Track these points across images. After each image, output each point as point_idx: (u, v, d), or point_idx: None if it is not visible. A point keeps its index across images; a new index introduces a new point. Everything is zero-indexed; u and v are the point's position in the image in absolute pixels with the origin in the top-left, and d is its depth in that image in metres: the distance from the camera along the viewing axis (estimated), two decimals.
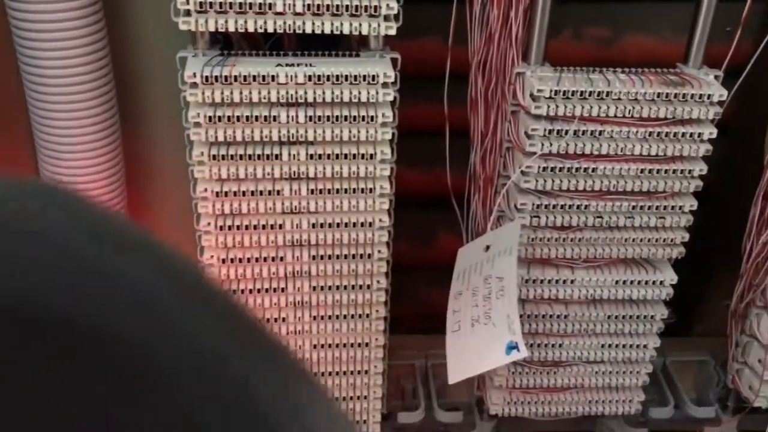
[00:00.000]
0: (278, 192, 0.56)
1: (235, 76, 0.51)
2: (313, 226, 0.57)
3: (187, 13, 0.50)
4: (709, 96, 0.54)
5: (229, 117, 0.52)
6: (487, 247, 0.58)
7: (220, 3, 0.49)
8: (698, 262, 0.83)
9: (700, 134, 0.56)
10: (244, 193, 0.55)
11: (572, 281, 0.62)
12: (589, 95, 0.54)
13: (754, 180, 0.66)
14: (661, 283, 0.62)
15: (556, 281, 0.62)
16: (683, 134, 0.56)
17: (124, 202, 0.65)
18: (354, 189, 0.56)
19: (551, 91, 0.54)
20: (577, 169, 0.57)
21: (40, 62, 0.57)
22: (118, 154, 0.63)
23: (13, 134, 0.65)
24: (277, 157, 0.54)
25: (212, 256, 0.58)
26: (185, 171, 0.55)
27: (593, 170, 0.57)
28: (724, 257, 0.73)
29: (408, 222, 0.84)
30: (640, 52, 0.71)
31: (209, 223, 0.56)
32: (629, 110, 0.55)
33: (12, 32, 0.57)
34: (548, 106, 0.54)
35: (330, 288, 0.60)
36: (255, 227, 0.57)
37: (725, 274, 0.72)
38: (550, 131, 0.55)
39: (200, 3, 0.49)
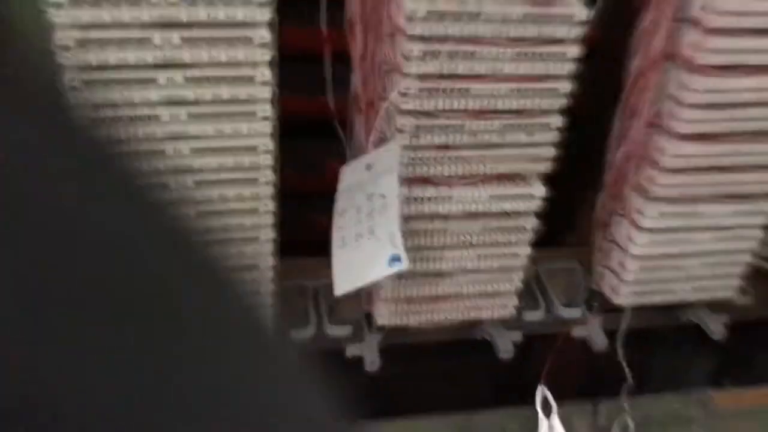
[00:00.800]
0: (157, 117, 0.55)
1: None
2: (195, 151, 0.57)
3: None
4: (572, 16, 0.58)
5: (99, 40, 0.51)
6: (369, 166, 0.60)
7: None
8: (569, 177, 0.90)
9: (564, 54, 0.59)
10: (120, 119, 0.54)
11: (451, 198, 0.65)
12: (462, 16, 0.56)
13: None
14: (532, 196, 0.66)
15: (436, 198, 0.65)
16: (549, 54, 0.59)
17: None
18: (235, 113, 0.56)
19: (426, 12, 0.55)
20: (452, 90, 0.59)
21: None
22: None
23: None
24: (153, 81, 0.53)
25: None
26: None
27: (468, 90, 0.59)
28: (593, 172, 0.78)
29: (296, 149, 0.85)
30: None
31: None
32: (499, 31, 0.57)
33: None
34: (423, 27, 0.56)
35: (217, 213, 0.60)
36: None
37: (594, 188, 0.78)
38: (426, 52, 0.57)
39: None
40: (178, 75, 0.54)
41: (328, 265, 0.69)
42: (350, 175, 0.61)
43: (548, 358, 0.75)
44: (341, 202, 0.60)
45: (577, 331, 0.80)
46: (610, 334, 0.79)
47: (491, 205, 0.66)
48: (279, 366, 0.18)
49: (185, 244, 0.17)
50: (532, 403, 0.73)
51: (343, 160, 0.69)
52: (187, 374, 0.15)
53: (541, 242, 0.76)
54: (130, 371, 0.14)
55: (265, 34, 0.53)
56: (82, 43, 0.51)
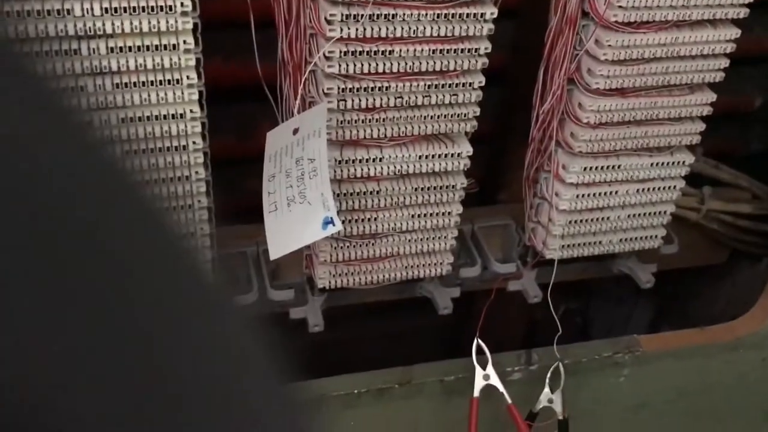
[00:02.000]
0: (81, 88, 0.55)
1: None
2: (123, 121, 0.58)
3: None
4: None
5: (18, 11, 0.51)
6: (296, 131, 0.61)
7: None
8: (499, 137, 0.92)
9: (482, 14, 0.61)
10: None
11: (381, 159, 0.67)
12: None
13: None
14: (459, 155, 0.68)
15: (367, 160, 0.66)
16: (468, 15, 0.61)
17: None
18: (161, 81, 0.57)
19: None
20: (375, 52, 0.61)
21: None
22: None
23: None
24: (75, 52, 0.54)
25: None
26: None
27: (390, 53, 0.61)
28: (521, 131, 0.81)
29: (228, 115, 0.85)
30: None
31: None
32: None
33: None
34: None
35: (148, 182, 0.61)
36: None
37: (523, 146, 0.81)
38: (347, 16, 0.58)
39: None
40: (101, 45, 0.54)
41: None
42: (276, 140, 0.62)
43: (483, 312, 0.78)
44: (269, 167, 0.62)
45: (512, 285, 0.83)
46: (545, 287, 0.83)
47: (421, 165, 0.68)
48: (214, 306, 0.18)
49: (121, 183, 0.17)
50: (471, 355, 0.76)
51: (274, 124, 0.70)
52: (120, 315, 0.15)
53: (476, 200, 0.79)
54: (65, 312, 0.14)
55: (186, 2, 0.54)
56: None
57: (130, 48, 0.55)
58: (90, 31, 0.53)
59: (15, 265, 0.14)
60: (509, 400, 0.68)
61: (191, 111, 0.59)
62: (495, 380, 0.70)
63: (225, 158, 0.71)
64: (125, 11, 0.53)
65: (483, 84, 0.65)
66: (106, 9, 0.53)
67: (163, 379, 0.16)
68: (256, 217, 0.81)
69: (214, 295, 0.19)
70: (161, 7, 0.54)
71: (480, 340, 0.72)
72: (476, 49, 0.63)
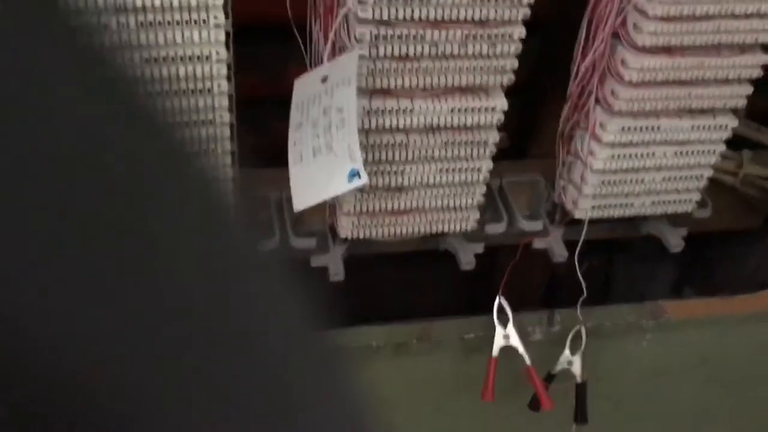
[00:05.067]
0: (104, 26, 0.53)
1: None
2: (147, 60, 0.56)
3: None
4: None
5: None
6: (325, 78, 0.59)
7: None
8: (534, 89, 0.89)
9: None
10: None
11: (411, 110, 0.64)
12: None
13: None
14: (493, 109, 0.66)
15: (397, 111, 0.64)
16: None
17: None
18: (186, 21, 0.55)
19: None
20: None
21: None
22: None
23: None
24: None
25: None
26: None
27: (429, 0, 0.58)
28: (557, 85, 0.77)
29: (254, 55, 0.82)
30: None
31: None
32: None
33: None
34: None
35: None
36: None
37: (557, 100, 0.78)
38: None
39: None
40: None
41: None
42: (304, 88, 0.60)
43: (507, 269, 0.77)
44: (296, 115, 0.59)
45: (538, 243, 0.81)
46: (571, 246, 0.81)
47: (452, 118, 0.66)
48: (241, 247, 0.18)
49: (152, 126, 0.17)
50: (492, 312, 0.75)
51: (303, 66, 0.67)
52: (150, 254, 0.15)
53: (506, 154, 0.77)
54: (99, 248, 0.14)
55: None
56: None
57: None
58: None
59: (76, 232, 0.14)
60: (528, 362, 0.67)
61: (217, 53, 0.57)
62: (515, 341, 0.69)
63: (249, 98, 0.69)
64: None
65: (523, 36, 0.62)
66: None
67: (212, 337, 0.16)
68: (280, 161, 0.79)
69: (249, 250, 0.19)
70: None
71: (502, 299, 0.71)
72: None
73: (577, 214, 0.77)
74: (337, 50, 0.63)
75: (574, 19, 0.69)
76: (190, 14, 0.54)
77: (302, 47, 0.67)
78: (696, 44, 0.65)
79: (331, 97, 0.58)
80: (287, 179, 0.79)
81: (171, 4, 0.53)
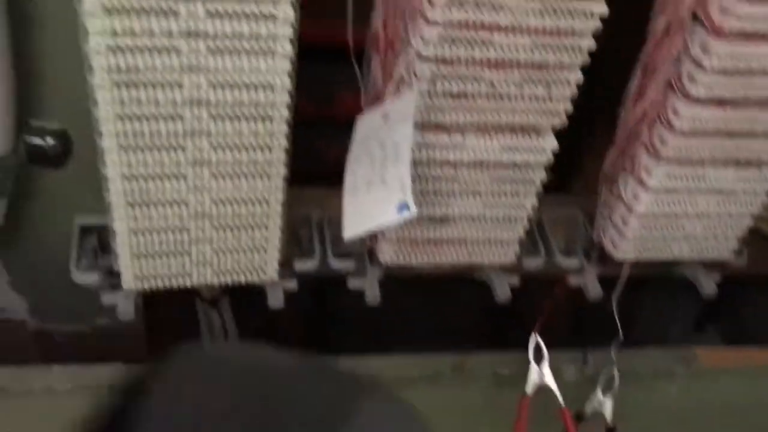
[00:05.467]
0: (176, 48, 0.54)
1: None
2: (212, 85, 0.57)
3: None
4: None
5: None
6: (385, 115, 0.60)
7: None
8: (578, 125, 0.89)
9: (591, 11, 0.58)
10: (140, 49, 0.54)
11: (462, 146, 0.65)
12: None
13: (636, 50, 0.70)
14: (543, 149, 0.67)
15: (447, 146, 0.65)
16: (577, 10, 0.58)
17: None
18: (255, 49, 0.56)
19: None
20: (474, 40, 0.58)
21: None
22: None
23: None
24: (174, 12, 0.53)
25: (107, 111, 0.57)
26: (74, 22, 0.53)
27: (490, 41, 0.59)
28: (601, 122, 0.78)
29: (307, 77, 0.84)
30: None
31: (103, 78, 0.55)
32: None
33: None
34: None
35: (230, 147, 0.61)
36: (152, 84, 0.56)
37: (603, 137, 0.78)
38: (452, 0, 0.56)
39: None
40: (199, 7, 0.53)
41: (334, 196, 0.70)
42: (366, 124, 0.61)
43: (544, 305, 0.77)
44: (356, 149, 0.61)
45: (573, 280, 0.82)
46: (604, 284, 0.81)
47: (502, 155, 0.66)
48: None
49: None
50: (524, 346, 0.76)
51: (355, 91, 0.68)
52: None
53: (545, 187, 0.77)
54: None
55: (289, 11, 0.52)
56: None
57: (228, 13, 0.54)
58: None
59: None
60: (562, 403, 0.68)
61: (281, 81, 0.58)
62: (549, 379, 0.69)
63: (299, 119, 0.70)
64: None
65: (580, 82, 0.63)
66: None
67: None
68: (323, 181, 0.80)
69: None
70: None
71: (538, 337, 0.71)
72: (579, 46, 0.60)
73: (616, 255, 0.77)
74: (394, 81, 0.64)
75: (623, 58, 0.70)
76: (258, 43, 0.56)
77: (358, 73, 0.68)
78: (749, 98, 0.66)
79: (389, 132, 0.59)
80: (329, 199, 0.80)
81: (242, 32, 0.54)
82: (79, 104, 0.63)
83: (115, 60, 0.54)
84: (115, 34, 0.53)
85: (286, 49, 0.56)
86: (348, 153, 0.62)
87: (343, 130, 0.82)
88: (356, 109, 0.69)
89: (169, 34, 0.54)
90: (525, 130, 0.66)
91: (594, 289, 0.81)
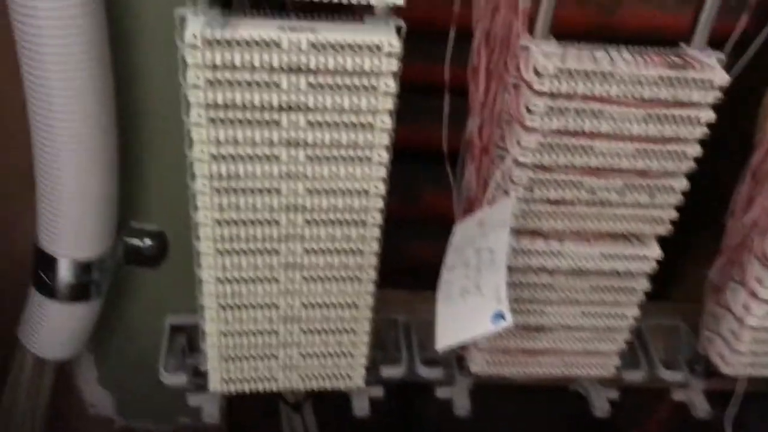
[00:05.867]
0: (276, 157, 0.55)
1: (237, 40, 0.50)
2: (309, 191, 0.57)
3: None
4: (710, 81, 0.55)
5: (229, 81, 0.51)
6: (482, 222, 0.58)
7: None
8: (681, 230, 0.85)
9: (698, 118, 0.56)
10: (241, 157, 0.55)
11: (560, 252, 0.63)
12: (593, 75, 0.54)
13: (742, 156, 0.67)
14: (646, 257, 0.63)
15: (544, 252, 0.63)
16: (681, 117, 0.56)
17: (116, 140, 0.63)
18: (352, 157, 0.56)
19: (556, 68, 0.53)
20: (575, 147, 0.57)
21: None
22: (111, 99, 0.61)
23: None
24: (276, 123, 0.54)
25: (206, 216, 0.57)
26: (179, 129, 0.54)
27: (591, 148, 0.57)
28: (706, 228, 0.74)
29: (395, 175, 0.84)
30: (641, 22, 0.70)
31: (204, 184, 0.56)
32: (631, 92, 0.55)
33: None
34: (551, 83, 0.54)
35: (322, 251, 0.60)
36: (251, 191, 0.56)
37: (705, 243, 0.74)
38: (552, 108, 0.55)
39: None
40: (301, 118, 0.54)
41: (421, 299, 0.68)
42: (462, 232, 0.60)
43: (645, 421, 0.72)
44: (451, 258, 0.59)
45: (678, 395, 0.76)
46: (713, 400, 0.75)
47: (602, 263, 0.64)
48: None
49: None
50: None
51: (442, 191, 0.68)
52: None
53: (645, 294, 0.73)
54: None
55: (390, 83, 0.53)
56: (212, 83, 0.51)
57: (328, 123, 0.54)
58: (293, 104, 0.53)
59: None
60: None
61: (376, 187, 0.58)
62: None
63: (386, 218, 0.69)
64: (329, 87, 0.52)
65: (686, 189, 0.60)
66: (311, 84, 0.52)
67: None
68: (409, 283, 0.79)
69: None
70: (364, 86, 0.53)
71: None
72: (685, 152, 0.58)
73: (726, 370, 0.72)
74: (487, 186, 0.62)
75: (726, 165, 0.67)
76: (355, 151, 0.56)
77: (450, 177, 0.67)
78: None
79: (485, 239, 0.57)
80: (416, 301, 0.78)
81: (340, 141, 0.55)
82: (177, 207, 0.64)
83: (217, 167, 0.55)
84: (218, 143, 0.54)
85: (382, 156, 0.56)
86: (443, 261, 0.60)
87: (429, 229, 0.81)
88: (443, 210, 0.68)
89: (271, 143, 0.54)
90: (627, 237, 0.64)
91: (701, 406, 0.76)
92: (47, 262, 0.64)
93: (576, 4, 0.70)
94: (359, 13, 0.54)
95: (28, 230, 0.65)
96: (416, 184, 0.86)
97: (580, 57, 0.54)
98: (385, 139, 0.56)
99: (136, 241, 0.70)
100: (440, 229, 0.65)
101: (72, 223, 0.62)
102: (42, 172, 0.60)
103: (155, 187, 0.68)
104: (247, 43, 0.50)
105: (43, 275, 0.65)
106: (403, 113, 0.81)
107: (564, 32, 0.56)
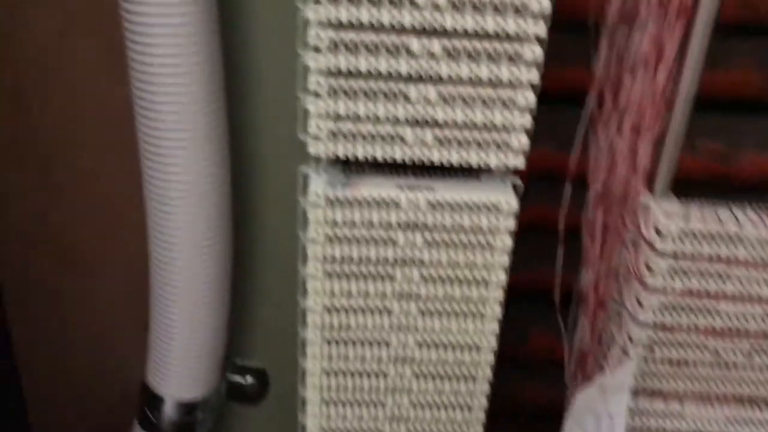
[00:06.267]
0: (388, 310, 0.55)
1: (358, 199, 0.51)
2: (419, 344, 0.56)
3: (317, 136, 0.50)
4: None
5: (347, 237, 0.52)
6: (602, 387, 0.56)
7: (352, 133, 0.49)
8: None
9: None
10: (354, 309, 0.55)
11: (681, 414, 0.59)
12: (719, 236, 0.52)
13: None
14: None
15: (664, 413, 0.59)
16: None
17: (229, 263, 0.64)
18: (464, 311, 0.55)
19: (679, 229, 0.52)
20: (698, 307, 0.55)
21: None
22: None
23: None
24: (390, 277, 0.54)
25: (314, 365, 0.57)
26: (289, 273, 0.55)
27: (715, 310, 0.55)
28: None
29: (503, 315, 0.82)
30: (758, 171, 0.68)
31: (315, 334, 0.56)
32: (759, 254, 0.52)
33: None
34: (674, 244, 0.52)
35: (429, 405, 0.59)
36: (361, 342, 0.56)
37: None
38: (674, 268, 0.53)
39: (332, 133, 0.49)
40: (415, 272, 0.54)
41: None
42: (583, 398, 0.57)
43: None
44: (569, 425, 0.57)
45: None
46: None
47: (727, 427, 0.59)
48: None
49: None
50: None
51: (550, 332, 0.65)
52: None
53: None
54: None
55: (507, 241, 0.52)
56: (330, 238, 0.52)
57: (441, 278, 0.54)
58: (408, 260, 0.53)
59: None
60: None
61: (487, 342, 0.57)
62: None
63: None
64: (445, 244, 0.52)
65: None
66: (428, 241, 0.52)
67: None
68: (515, 422, 0.75)
69: None
70: (481, 244, 0.52)
71: None
72: None
73: None
74: (602, 340, 0.60)
75: None
76: (468, 305, 0.55)
77: (562, 328, 0.65)
78: None
79: (605, 404, 0.54)
80: None
81: (453, 295, 0.54)
82: (280, 346, 0.65)
83: (330, 318, 0.55)
84: (332, 295, 0.54)
85: (495, 311, 0.55)
86: (561, 429, 0.57)
87: (537, 371, 0.78)
88: (551, 352, 0.65)
89: (383, 296, 0.54)
90: (753, 401, 0.59)
91: None
92: (154, 401, 0.65)
93: (691, 153, 0.68)
94: (476, 171, 0.54)
95: (135, 367, 0.66)
96: (524, 324, 0.84)
97: (704, 217, 0.53)
98: (499, 294, 0.55)
99: (238, 379, 0.70)
100: (547, 369, 0.63)
101: (181, 366, 0.63)
102: (157, 317, 0.61)
103: (260, 325, 0.69)
104: (368, 202, 0.51)
105: (148, 413, 0.65)
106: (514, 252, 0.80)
107: (679, 182, 0.55)
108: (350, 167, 0.54)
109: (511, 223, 0.52)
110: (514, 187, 0.53)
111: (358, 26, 0.46)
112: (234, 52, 0.61)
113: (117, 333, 0.71)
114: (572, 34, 0.54)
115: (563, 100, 0.57)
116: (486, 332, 0.56)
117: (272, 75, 0.63)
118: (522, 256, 0.73)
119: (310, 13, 0.45)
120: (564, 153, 0.59)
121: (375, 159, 0.50)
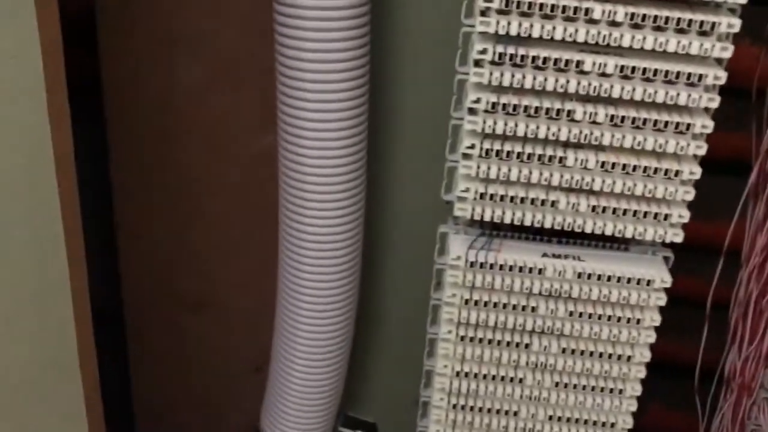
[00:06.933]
0: (520, 380, 0.53)
1: (501, 265, 0.49)
2: (550, 418, 0.54)
3: (463, 198, 0.48)
4: None
5: (485, 301, 0.50)
6: None
7: (502, 196, 0.47)
8: None
9: None
10: (484, 376, 0.53)
11: None
12: None
13: None
14: None
15: None
16: None
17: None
18: (602, 388, 0.52)
19: None
20: None
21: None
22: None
23: None
24: (526, 346, 0.51)
25: (437, 430, 0.55)
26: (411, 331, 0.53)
27: None
28: None
29: None
30: None
31: (442, 399, 0.54)
32: None
33: None
34: None
35: None
36: (489, 410, 0.54)
37: None
38: None
39: (481, 194, 0.47)
40: (553, 343, 0.51)
41: None
42: None
43: None
44: None
45: None
46: None
47: None
48: None
49: None
50: None
51: (670, 408, 0.61)
52: None
53: None
54: None
55: (656, 317, 0.49)
56: (467, 302, 0.50)
57: (581, 352, 0.51)
58: (547, 329, 0.51)
59: None
60: None
61: (624, 421, 0.53)
62: None
63: None
64: (590, 317, 0.50)
65: None
66: (571, 313, 0.50)
67: None
68: None
69: None
70: (627, 318, 0.50)
71: None
72: None
73: None
74: (745, 425, 0.56)
75: None
76: (606, 383, 0.52)
77: (699, 414, 0.61)
78: None
79: None
80: None
81: (592, 371, 0.51)
82: (392, 402, 0.63)
83: (458, 384, 0.53)
84: (463, 359, 0.52)
85: (635, 390, 0.52)
86: None
87: None
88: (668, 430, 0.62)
89: (516, 365, 0.52)
90: None
91: None
92: None
93: None
94: (624, 239, 0.52)
95: (247, 411, 0.66)
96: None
97: None
98: (641, 372, 0.52)
99: (349, 431, 0.69)
100: None
101: (296, 413, 0.62)
102: (278, 366, 0.61)
103: (374, 380, 0.68)
104: (510, 268, 0.49)
105: None
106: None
107: None
108: (486, 226, 0.52)
109: (662, 300, 0.49)
110: (665, 259, 0.50)
111: (519, 90, 0.44)
112: (381, 109, 0.60)
113: (231, 375, 0.71)
114: (731, 98, 0.51)
115: (719, 168, 0.54)
116: (623, 410, 0.53)
117: (411, 135, 0.63)
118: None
119: (474, 77, 0.44)
120: (712, 222, 0.56)
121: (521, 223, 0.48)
